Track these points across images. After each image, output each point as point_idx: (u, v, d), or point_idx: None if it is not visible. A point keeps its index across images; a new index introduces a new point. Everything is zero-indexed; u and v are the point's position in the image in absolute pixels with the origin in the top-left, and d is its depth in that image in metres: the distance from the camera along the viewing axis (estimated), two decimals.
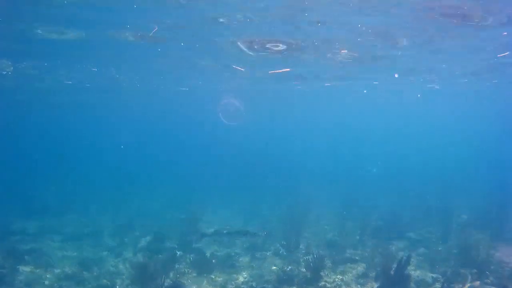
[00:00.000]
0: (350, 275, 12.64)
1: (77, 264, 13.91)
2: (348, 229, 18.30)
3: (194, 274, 13.12)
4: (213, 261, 13.93)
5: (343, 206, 21.79)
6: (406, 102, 37.97)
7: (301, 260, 13.96)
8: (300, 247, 15.59)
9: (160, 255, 14.39)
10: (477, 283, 11.15)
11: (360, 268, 13.16)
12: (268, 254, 15.40)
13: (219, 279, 12.75)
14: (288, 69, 16.88)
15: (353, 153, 62.29)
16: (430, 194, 23.44)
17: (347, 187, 28.18)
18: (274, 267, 13.64)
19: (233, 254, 15.44)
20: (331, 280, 12.03)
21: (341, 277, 12.36)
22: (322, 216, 21.85)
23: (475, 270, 12.33)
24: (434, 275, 12.29)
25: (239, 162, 42.62)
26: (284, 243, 15.57)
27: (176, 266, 13.75)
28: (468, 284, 10.80)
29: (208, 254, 14.69)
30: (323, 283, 11.66)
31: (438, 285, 11.74)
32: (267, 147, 58.05)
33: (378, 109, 47.43)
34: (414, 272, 11.89)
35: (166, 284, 10.86)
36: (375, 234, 17.14)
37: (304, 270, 12.72)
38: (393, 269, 10.85)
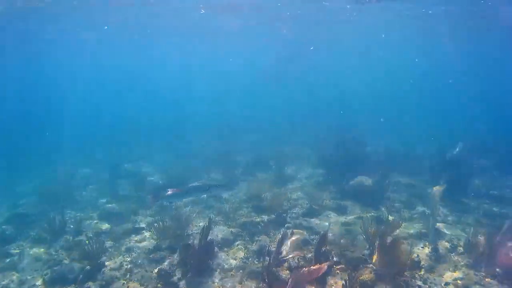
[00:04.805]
0: (139, 251, 10.53)
1: None
2: (121, 190, 16.45)
3: None
4: None
5: (112, 165, 19.45)
6: None
7: (72, 244, 11.37)
8: (67, 228, 12.69)
9: None
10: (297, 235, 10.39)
11: (149, 239, 11.25)
12: (26, 244, 12.09)
13: None
14: None
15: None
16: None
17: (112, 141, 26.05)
18: (39, 263, 10.67)
19: None
20: (117, 266, 9.72)
21: (129, 258, 10.16)
22: (90, 178, 19.23)
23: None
24: (234, 230, 11.38)
25: None
26: (46, 225, 12.41)
27: None
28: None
29: None
30: (108, 273, 9.39)
31: (239, 239, 10.85)
32: None
33: None
34: (212, 230, 10.78)
35: None
36: (153, 190, 15.59)
37: (77, 258, 10.23)
38: (188, 233, 9.63)
